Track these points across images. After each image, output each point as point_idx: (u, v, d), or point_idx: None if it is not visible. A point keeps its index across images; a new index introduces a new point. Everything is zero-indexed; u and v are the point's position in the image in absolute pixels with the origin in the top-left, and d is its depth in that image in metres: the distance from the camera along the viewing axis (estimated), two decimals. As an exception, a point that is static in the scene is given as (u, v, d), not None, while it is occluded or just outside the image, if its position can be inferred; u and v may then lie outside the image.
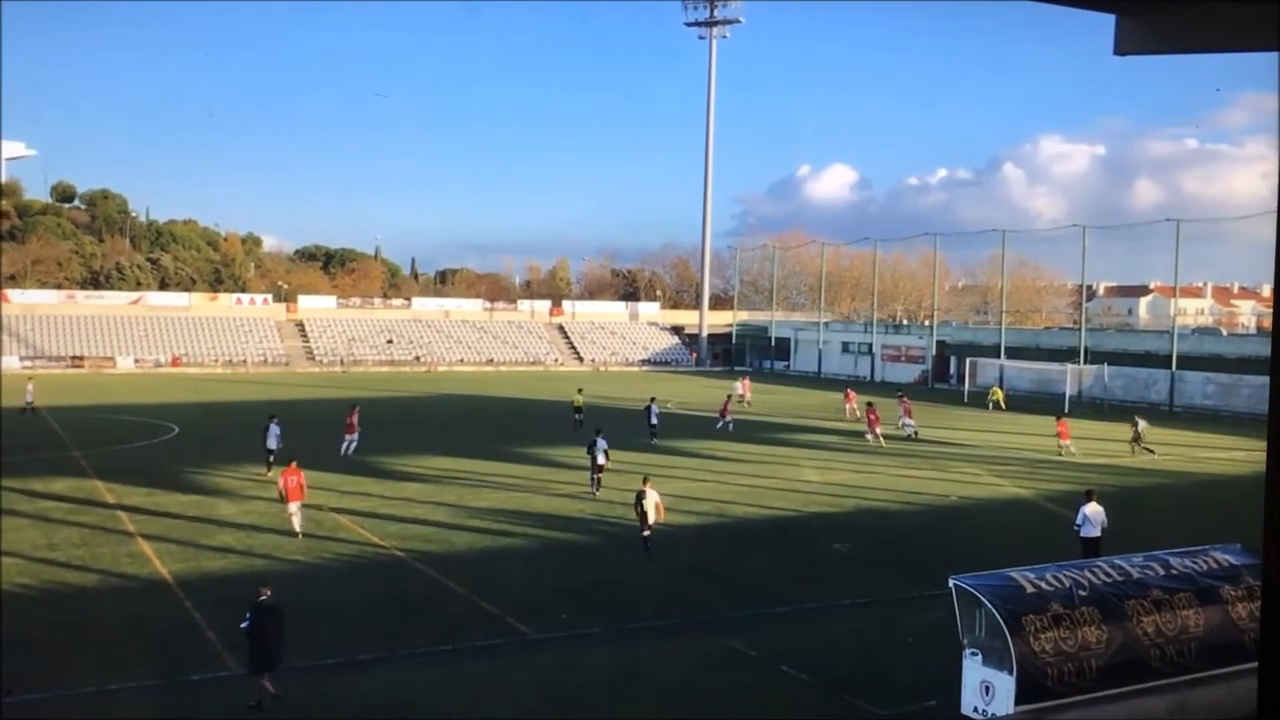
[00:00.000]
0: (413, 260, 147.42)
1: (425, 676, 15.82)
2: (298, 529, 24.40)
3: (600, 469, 30.72)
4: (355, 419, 37.88)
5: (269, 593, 14.65)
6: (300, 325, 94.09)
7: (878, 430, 43.26)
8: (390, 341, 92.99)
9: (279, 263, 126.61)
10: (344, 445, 36.96)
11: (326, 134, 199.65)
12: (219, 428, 46.23)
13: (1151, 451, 40.89)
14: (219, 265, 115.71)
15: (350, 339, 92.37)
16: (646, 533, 23.35)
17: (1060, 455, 40.45)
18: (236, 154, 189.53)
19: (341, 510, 27.70)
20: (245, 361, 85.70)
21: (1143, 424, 42.47)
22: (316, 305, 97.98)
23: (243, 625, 14.50)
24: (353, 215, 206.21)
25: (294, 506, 24.51)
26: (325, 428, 40.02)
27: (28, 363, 77.88)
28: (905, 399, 49.00)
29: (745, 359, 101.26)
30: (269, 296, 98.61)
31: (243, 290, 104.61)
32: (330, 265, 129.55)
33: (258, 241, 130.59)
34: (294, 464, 25.15)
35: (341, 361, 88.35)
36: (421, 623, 18.32)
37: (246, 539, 24.26)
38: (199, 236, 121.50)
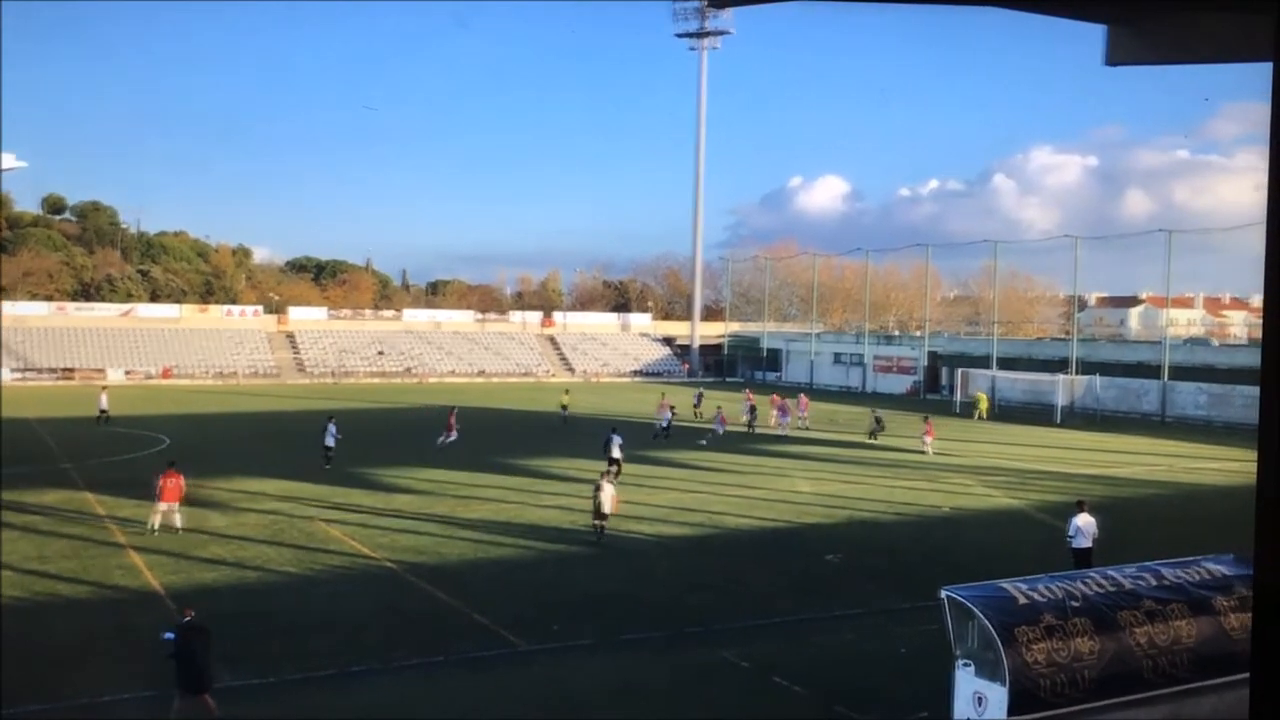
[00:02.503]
0: (404, 272, 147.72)
1: (417, 688, 15.77)
2: (156, 527, 25.48)
3: (616, 462, 33.80)
4: (454, 419, 43.98)
5: (192, 613, 14.61)
6: (291, 337, 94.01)
7: (724, 427, 47.99)
8: (381, 353, 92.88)
9: (270, 274, 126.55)
10: (442, 439, 42.68)
11: (318, 146, 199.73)
12: (210, 439, 46.10)
13: (873, 438, 46.17)
14: (210, 277, 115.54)
15: (341, 350, 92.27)
16: (599, 522, 25.42)
17: (927, 455, 43.71)
18: (227, 166, 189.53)
19: (332, 522, 27.64)
20: (236, 373, 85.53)
21: (880, 413, 48.49)
22: (307, 316, 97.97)
23: (168, 647, 14.31)
24: (344, 227, 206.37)
25: (165, 506, 25.63)
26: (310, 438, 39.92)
27: (18, 375, 77.69)
28: (750, 393, 57.93)
29: (737, 370, 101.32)
30: (260, 308, 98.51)
31: (233, 302, 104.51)
32: (321, 276, 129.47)
33: (248, 253, 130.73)
34: (173, 467, 26.40)
35: (332, 373, 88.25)
36: (413, 634, 18.25)
37: (238, 550, 24.19)
38: (189, 248, 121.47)
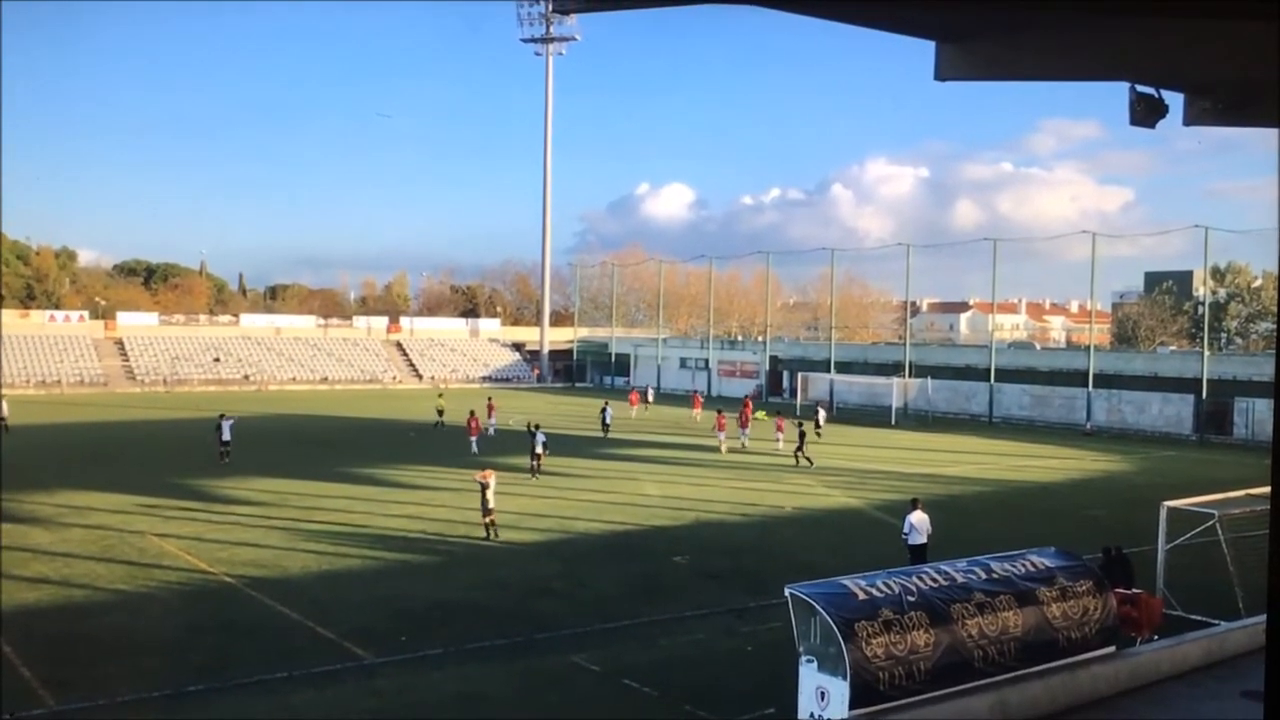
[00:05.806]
0: (240, 275, 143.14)
1: (259, 705, 15.27)
2: None
3: (538, 457, 36.69)
4: (478, 421, 44.92)
5: None
6: (120, 343, 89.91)
7: (746, 431, 48.24)
8: (217, 360, 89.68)
9: (96, 278, 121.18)
10: (474, 442, 43.34)
11: (146, 142, 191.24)
12: (31, 452, 43.63)
13: (740, 446, 46.37)
14: (30, 280, 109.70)
15: (174, 357, 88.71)
16: (489, 519, 26.68)
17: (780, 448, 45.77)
18: (48, 164, 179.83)
19: (166, 535, 26.55)
20: (60, 382, 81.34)
21: (730, 422, 48.56)
22: (137, 322, 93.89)
23: None
24: (176, 228, 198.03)
25: None
26: (150, 449, 38.33)
27: None
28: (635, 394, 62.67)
29: (587, 375, 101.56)
30: (85, 313, 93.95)
31: (56, 307, 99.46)
32: (152, 280, 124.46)
33: (72, 255, 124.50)
34: None
35: (165, 381, 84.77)
36: (253, 651, 17.68)
37: (63, 568, 23.02)
38: (9, 250, 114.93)
